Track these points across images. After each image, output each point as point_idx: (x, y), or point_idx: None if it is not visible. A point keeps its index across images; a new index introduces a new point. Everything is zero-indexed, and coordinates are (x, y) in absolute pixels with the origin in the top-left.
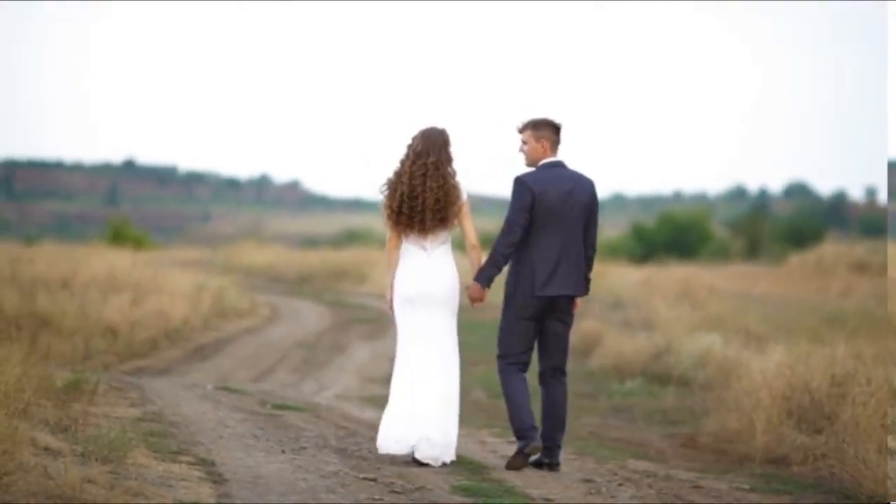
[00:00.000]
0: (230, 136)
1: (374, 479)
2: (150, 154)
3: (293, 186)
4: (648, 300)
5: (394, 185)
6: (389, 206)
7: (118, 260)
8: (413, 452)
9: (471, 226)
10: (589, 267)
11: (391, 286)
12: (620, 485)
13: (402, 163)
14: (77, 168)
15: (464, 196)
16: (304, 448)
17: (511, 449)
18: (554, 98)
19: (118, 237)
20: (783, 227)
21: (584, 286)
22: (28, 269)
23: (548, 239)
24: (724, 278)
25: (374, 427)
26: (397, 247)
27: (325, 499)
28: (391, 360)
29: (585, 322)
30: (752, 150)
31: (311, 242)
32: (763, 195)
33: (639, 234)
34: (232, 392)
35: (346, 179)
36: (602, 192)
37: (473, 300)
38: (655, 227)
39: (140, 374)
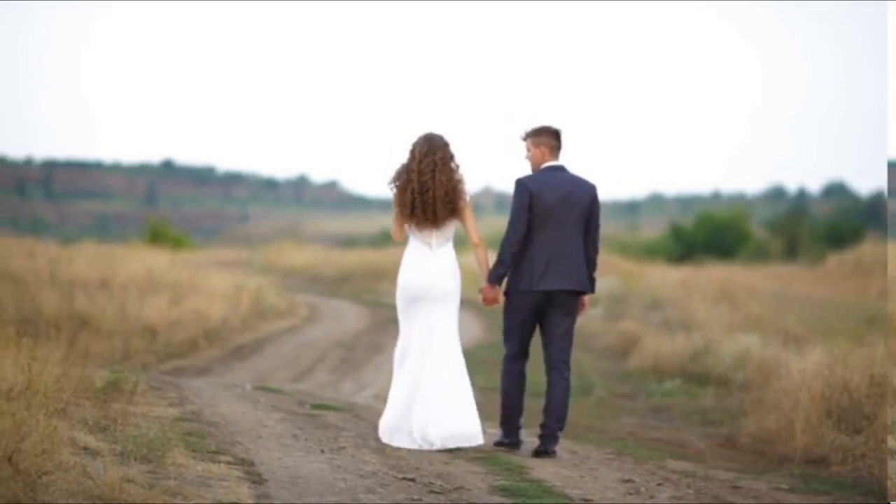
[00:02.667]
0: (268, 137)
1: (412, 480)
2: (188, 154)
3: (331, 186)
4: (687, 300)
5: (403, 183)
6: (401, 203)
7: (157, 260)
8: (420, 443)
9: (473, 225)
10: (592, 267)
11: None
12: (659, 485)
13: (409, 163)
14: (116, 168)
15: (467, 195)
16: (343, 448)
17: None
18: (593, 99)
19: (157, 237)
20: (822, 227)
21: (586, 284)
22: (67, 269)
23: (544, 237)
24: (763, 278)
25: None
26: (399, 237)
27: (364, 499)
28: None
29: (624, 322)
30: (791, 150)
31: (349, 242)
32: (802, 195)
33: (677, 234)
34: (271, 392)
35: (384, 180)
36: (640, 191)
37: (487, 301)
38: (694, 227)
39: (179, 373)
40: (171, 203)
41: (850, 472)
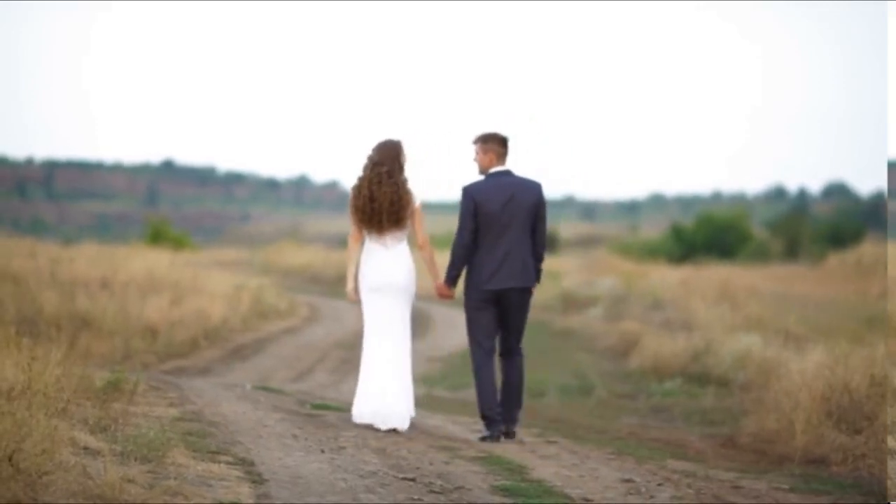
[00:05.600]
0: (269, 137)
1: (413, 479)
2: (189, 154)
3: (332, 187)
4: (687, 301)
5: (358, 189)
6: (355, 206)
7: (158, 260)
8: (375, 422)
9: (420, 228)
10: (539, 260)
11: (354, 277)
12: (660, 485)
13: (364, 170)
14: (117, 168)
15: (416, 202)
16: (344, 448)
17: (551, 448)
18: (594, 99)
19: (158, 237)
20: (822, 227)
21: (533, 279)
22: (68, 269)
23: (493, 240)
24: (764, 279)
25: (413, 427)
26: (359, 241)
27: (365, 499)
28: (429, 360)
29: (624, 322)
30: (791, 151)
31: None
32: (802, 195)
33: (678, 234)
34: (271, 392)
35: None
36: (641, 192)
37: (442, 296)
38: (694, 227)
39: (179, 373)
40: (172, 203)
41: (850, 472)
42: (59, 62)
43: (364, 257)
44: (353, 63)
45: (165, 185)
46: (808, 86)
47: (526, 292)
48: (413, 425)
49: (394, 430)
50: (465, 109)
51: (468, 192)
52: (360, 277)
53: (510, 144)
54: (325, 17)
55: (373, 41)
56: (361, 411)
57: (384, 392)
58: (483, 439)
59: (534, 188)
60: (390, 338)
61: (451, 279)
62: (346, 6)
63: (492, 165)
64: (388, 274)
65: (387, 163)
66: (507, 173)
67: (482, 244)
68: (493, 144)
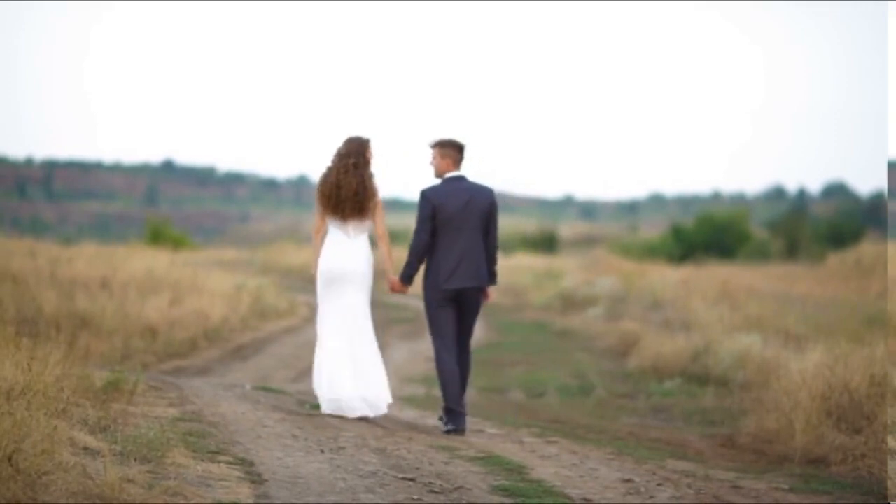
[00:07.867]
0: (269, 137)
1: (412, 480)
2: (188, 154)
3: None
4: (687, 300)
5: (326, 176)
6: (322, 192)
7: (157, 260)
8: (337, 408)
9: (380, 221)
10: (493, 261)
11: (318, 263)
12: (659, 485)
13: (332, 161)
14: (116, 168)
15: (378, 195)
16: (343, 448)
17: (551, 448)
18: (594, 99)
19: (157, 237)
20: (822, 227)
21: (488, 278)
22: (68, 269)
23: (449, 241)
24: (763, 278)
25: (412, 427)
26: (321, 233)
27: (364, 499)
28: (429, 359)
29: (624, 322)
30: (791, 150)
31: None
32: (802, 195)
33: (677, 234)
34: (271, 392)
35: (383, 179)
36: (641, 191)
37: (393, 290)
38: (694, 227)
39: (179, 373)
40: (172, 203)
41: (850, 472)
42: (59, 62)
43: (326, 244)
44: (353, 63)
45: (165, 185)
46: (808, 86)
47: (479, 292)
48: (413, 425)
49: (364, 419)
50: (466, 110)
51: (426, 195)
52: (320, 264)
53: (465, 151)
54: (324, 17)
55: (373, 41)
56: (331, 397)
57: (346, 380)
58: (448, 432)
59: (487, 193)
60: (351, 326)
61: (407, 277)
62: (346, 6)
63: (448, 170)
64: (348, 262)
65: (353, 156)
66: (462, 178)
67: (440, 246)
68: (451, 150)
